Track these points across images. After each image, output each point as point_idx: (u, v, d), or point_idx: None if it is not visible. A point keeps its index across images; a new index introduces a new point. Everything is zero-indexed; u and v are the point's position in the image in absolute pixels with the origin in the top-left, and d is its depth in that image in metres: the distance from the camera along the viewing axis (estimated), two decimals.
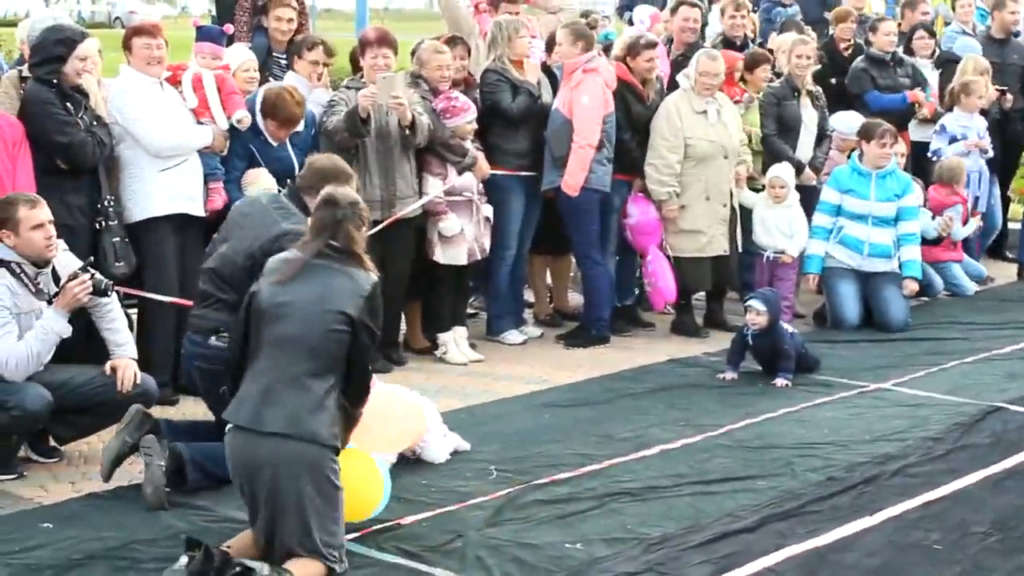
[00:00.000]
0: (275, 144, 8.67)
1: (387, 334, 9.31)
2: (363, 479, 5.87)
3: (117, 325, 6.98)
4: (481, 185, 9.54)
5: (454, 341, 9.53)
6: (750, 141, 10.89)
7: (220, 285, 6.61)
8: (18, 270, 6.62)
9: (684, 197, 10.15)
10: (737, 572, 5.52)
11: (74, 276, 6.55)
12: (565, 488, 6.62)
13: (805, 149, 11.30)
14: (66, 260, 6.87)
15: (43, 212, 6.63)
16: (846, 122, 11.61)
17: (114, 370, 6.80)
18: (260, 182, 8.52)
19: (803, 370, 8.98)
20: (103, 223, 7.74)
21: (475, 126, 9.42)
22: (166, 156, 8.14)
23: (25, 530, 5.76)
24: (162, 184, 8.09)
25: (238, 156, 8.59)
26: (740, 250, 10.70)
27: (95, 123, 7.78)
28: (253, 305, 5.60)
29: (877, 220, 10.67)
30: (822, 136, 11.46)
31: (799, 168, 11.18)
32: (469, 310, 10.71)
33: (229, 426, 5.51)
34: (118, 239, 7.78)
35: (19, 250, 6.59)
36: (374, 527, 5.97)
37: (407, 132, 8.96)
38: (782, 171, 10.71)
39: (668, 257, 10.21)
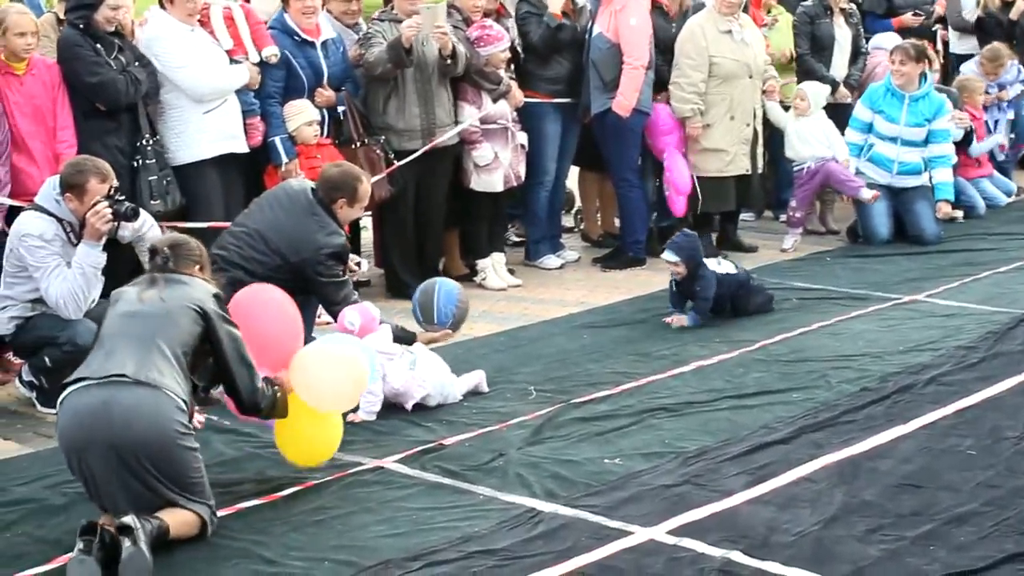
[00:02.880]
0: (308, 39, 8.79)
1: (427, 261, 9.48)
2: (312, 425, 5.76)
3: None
4: (515, 113, 9.62)
5: (492, 267, 9.66)
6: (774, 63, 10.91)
7: (232, 259, 6.94)
8: (68, 229, 6.77)
9: (708, 116, 10.16)
10: (773, 482, 5.59)
11: (94, 205, 6.63)
12: (603, 406, 6.71)
13: (839, 67, 11.31)
14: None
15: (110, 185, 6.74)
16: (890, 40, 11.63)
17: None
18: (304, 113, 8.64)
19: (745, 305, 8.54)
20: (140, 162, 7.87)
21: (508, 54, 9.51)
22: (209, 100, 8.27)
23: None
24: (207, 126, 8.25)
25: (275, 66, 8.69)
26: (761, 171, 10.74)
27: (137, 63, 7.91)
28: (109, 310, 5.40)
29: (906, 142, 10.68)
30: (856, 54, 11.46)
31: (833, 86, 11.18)
32: (514, 238, 10.85)
33: (62, 397, 5.13)
34: (155, 177, 7.90)
35: (76, 215, 6.71)
36: (417, 448, 6.10)
37: (448, 62, 9.05)
38: (806, 86, 10.72)
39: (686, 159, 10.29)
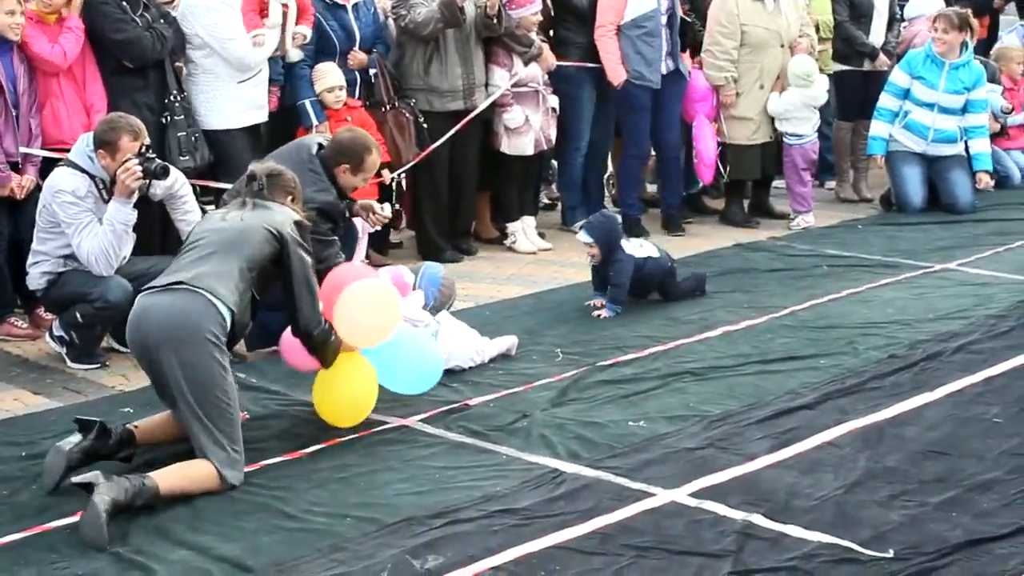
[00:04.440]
0: (340, 1, 8.82)
1: (459, 224, 9.49)
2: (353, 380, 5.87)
3: (190, 217, 7.16)
4: (547, 76, 9.59)
5: (523, 230, 9.68)
6: (818, 29, 10.81)
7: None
8: (100, 185, 6.81)
9: (738, 84, 10.15)
10: (797, 446, 5.57)
11: (123, 162, 6.66)
12: (629, 369, 6.71)
13: (877, 34, 11.21)
14: None
15: (142, 143, 6.76)
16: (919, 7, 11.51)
17: None
18: (325, 79, 8.63)
19: (675, 289, 8.09)
20: (169, 118, 7.87)
21: (540, 17, 9.47)
22: (252, 69, 8.30)
23: (108, 415, 5.86)
24: (239, 96, 8.28)
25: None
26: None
27: (163, 20, 7.90)
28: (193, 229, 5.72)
29: (943, 109, 10.60)
30: (892, 20, 11.36)
31: (873, 54, 11.09)
32: (545, 201, 10.83)
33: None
34: (183, 134, 7.91)
35: (109, 171, 6.73)
36: (442, 408, 6.12)
37: (494, 21, 9.07)
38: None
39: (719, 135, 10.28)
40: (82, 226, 6.72)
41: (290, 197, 5.83)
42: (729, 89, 10.09)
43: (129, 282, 6.72)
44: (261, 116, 8.49)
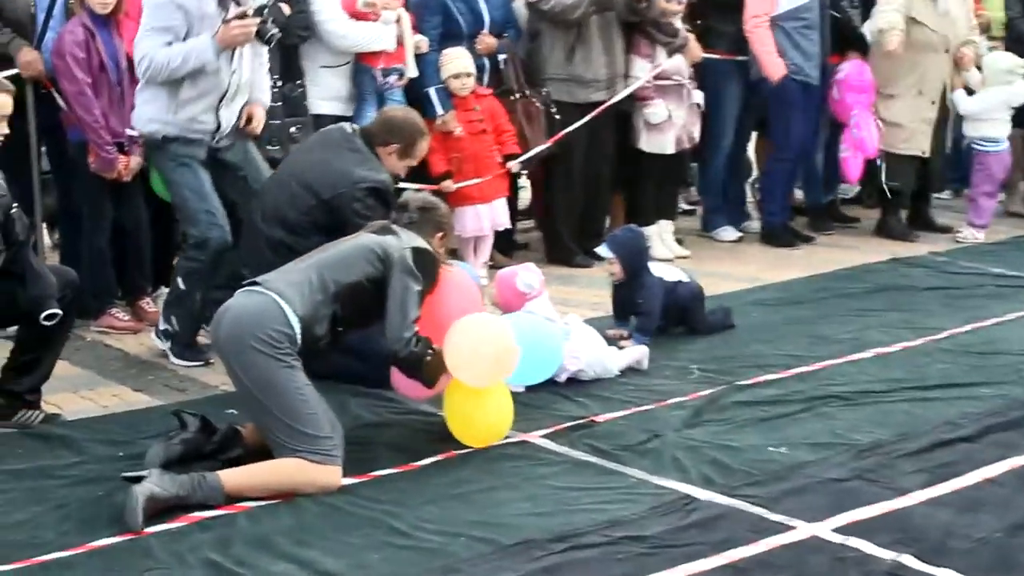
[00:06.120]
0: None
1: (591, 225, 9.31)
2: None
3: (262, 72, 7.05)
4: (692, 70, 9.31)
5: (659, 235, 9.42)
6: (988, 28, 10.40)
7: (267, 215, 6.55)
8: None
9: (894, 87, 9.80)
10: (954, 482, 5.26)
11: (242, 15, 6.52)
12: (771, 390, 6.48)
13: None
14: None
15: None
16: None
17: (249, 118, 6.90)
18: (451, 65, 8.41)
19: (699, 320, 7.44)
20: None
21: (683, 4, 9.20)
22: (345, 53, 8.16)
23: (211, 415, 5.73)
24: (320, 81, 8.14)
25: (431, 12, 8.53)
26: (948, 150, 10.36)
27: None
28: None
29: None
30: None
31: None
32: (684, 205, 10.66)
33: None
34: (278, 122, 7.70)
35: None
36: (567, 424, 5.94)
37: (643, 5, 8.86)
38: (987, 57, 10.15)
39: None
40: (155, 30, 6.49)
41: (440, 233, 5.79)
42: (895, 34, 9.52)
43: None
44: (341, 109, 8.22)
